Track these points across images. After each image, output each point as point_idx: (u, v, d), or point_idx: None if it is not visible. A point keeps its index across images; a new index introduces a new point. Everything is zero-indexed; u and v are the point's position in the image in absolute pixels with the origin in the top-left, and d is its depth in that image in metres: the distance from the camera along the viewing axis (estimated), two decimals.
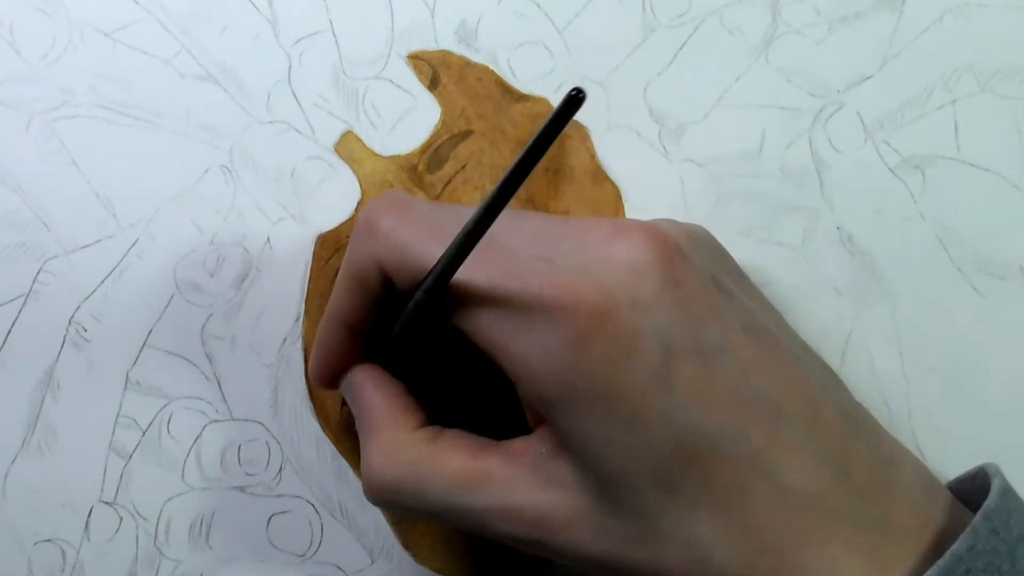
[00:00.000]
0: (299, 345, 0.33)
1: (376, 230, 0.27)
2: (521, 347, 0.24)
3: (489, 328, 0.25)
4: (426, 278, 0.26)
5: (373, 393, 0.29)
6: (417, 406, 0.29)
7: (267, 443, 0.33)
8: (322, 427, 0.33)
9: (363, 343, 0.29)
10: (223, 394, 0.33)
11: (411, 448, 0.27)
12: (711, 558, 0.24)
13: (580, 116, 0.34)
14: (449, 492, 0.26)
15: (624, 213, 0.34)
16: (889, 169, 0.33)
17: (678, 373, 0.24)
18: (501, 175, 0.24)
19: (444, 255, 0.25)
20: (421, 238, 0.26)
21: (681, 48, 0.34)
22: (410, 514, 0.27)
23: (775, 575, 0.24)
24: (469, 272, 0.25)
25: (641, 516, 0.24)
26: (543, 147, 0.22)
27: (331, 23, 0.34)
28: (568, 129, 0.34)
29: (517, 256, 0.26)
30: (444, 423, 0.28)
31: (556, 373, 0.24)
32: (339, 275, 0.29)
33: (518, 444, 0.26)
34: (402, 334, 0.28)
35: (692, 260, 0.26)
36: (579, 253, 0.25)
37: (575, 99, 0.21)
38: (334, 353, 0.29)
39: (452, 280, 0.25)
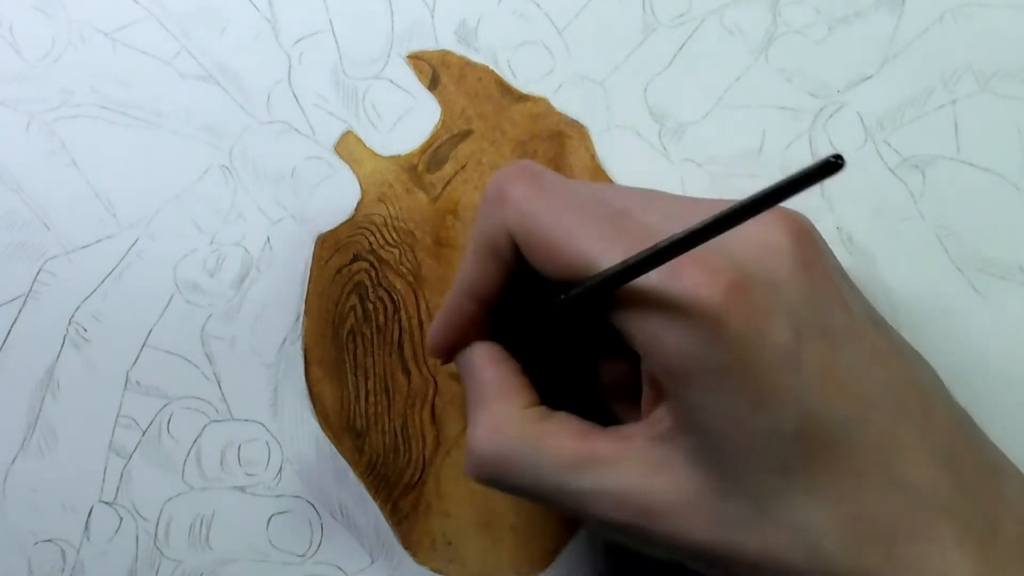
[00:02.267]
0: (299, 345, 0.33)
1: (507, 197, 0.26)
2: (654, 318, 0.24)
3: (623, 300, 0.25)
4: (592, 279, 0.25)
5: (490, 368, 0.28)
6: (530, 386, 0.28)
7: (267, 443, 0.33)
8: (322, 427, 0.33)
9: (486, 318, 0.28)
10: (223, 394, 0.33)
11: (520, 424, 0.27)
12: (821, 546, 0.24)
13: (580, 116, 0.34)
14: (555, 472, 0.26)
15: None
16: (889, 169, 0.33)
17: (807, 354, 0.24)
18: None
19: (624, 263, 0.24)
20: (554, 209, 0.26)
21: (681, 48, 0.34)
22: (510, 491, 0.27)
23: (884, 567, 0.23)
24: (611, 251, 0.24)
25: (754, 500, 0.24)
26: (773, 201, 0.20)
27: (331, 23, 0.34)
28: (568, 129, 0.34)
29: (655, 234, 0.25)
30: (553, 407, 0.28)
31: (689, 346, 0.24)
32: (468, 247, 0.28)
33: (628, 429, 0.26)
34: (535, 318, 0.28)
35: (821, 246, 0.26)
36: None
37: (832, 166, 0.19)
38: (457, 326, 0.28)
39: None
